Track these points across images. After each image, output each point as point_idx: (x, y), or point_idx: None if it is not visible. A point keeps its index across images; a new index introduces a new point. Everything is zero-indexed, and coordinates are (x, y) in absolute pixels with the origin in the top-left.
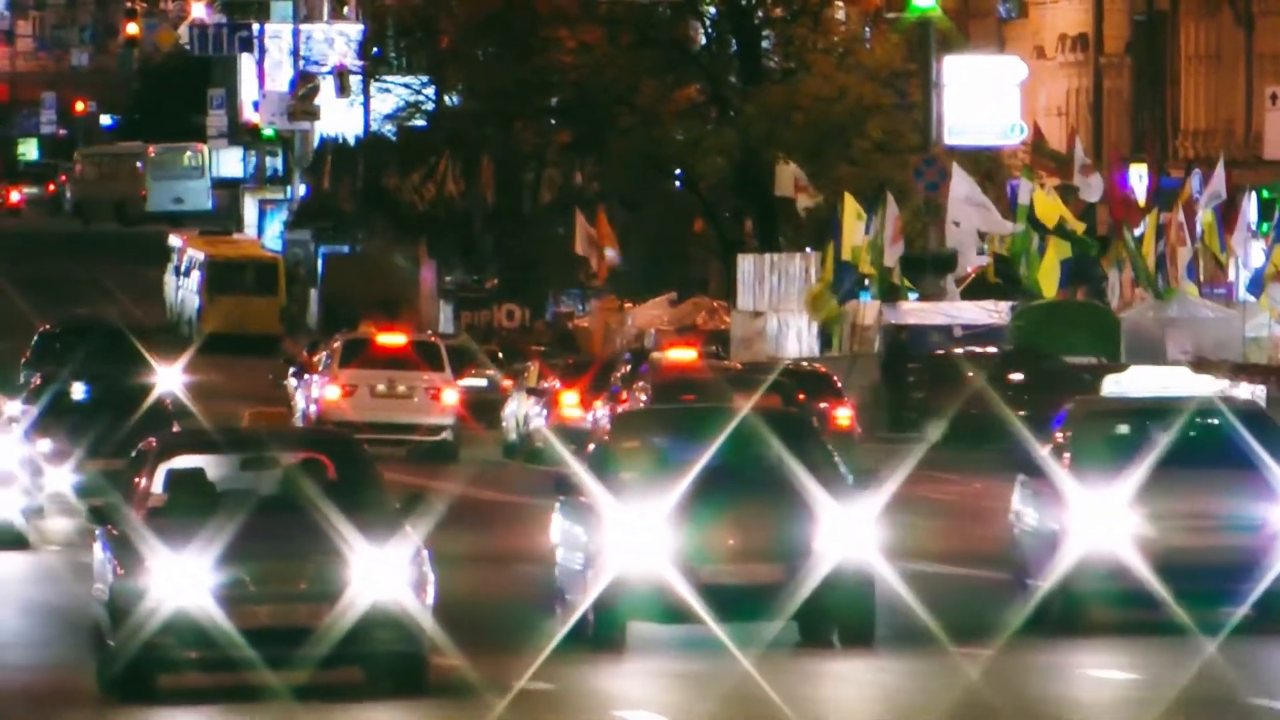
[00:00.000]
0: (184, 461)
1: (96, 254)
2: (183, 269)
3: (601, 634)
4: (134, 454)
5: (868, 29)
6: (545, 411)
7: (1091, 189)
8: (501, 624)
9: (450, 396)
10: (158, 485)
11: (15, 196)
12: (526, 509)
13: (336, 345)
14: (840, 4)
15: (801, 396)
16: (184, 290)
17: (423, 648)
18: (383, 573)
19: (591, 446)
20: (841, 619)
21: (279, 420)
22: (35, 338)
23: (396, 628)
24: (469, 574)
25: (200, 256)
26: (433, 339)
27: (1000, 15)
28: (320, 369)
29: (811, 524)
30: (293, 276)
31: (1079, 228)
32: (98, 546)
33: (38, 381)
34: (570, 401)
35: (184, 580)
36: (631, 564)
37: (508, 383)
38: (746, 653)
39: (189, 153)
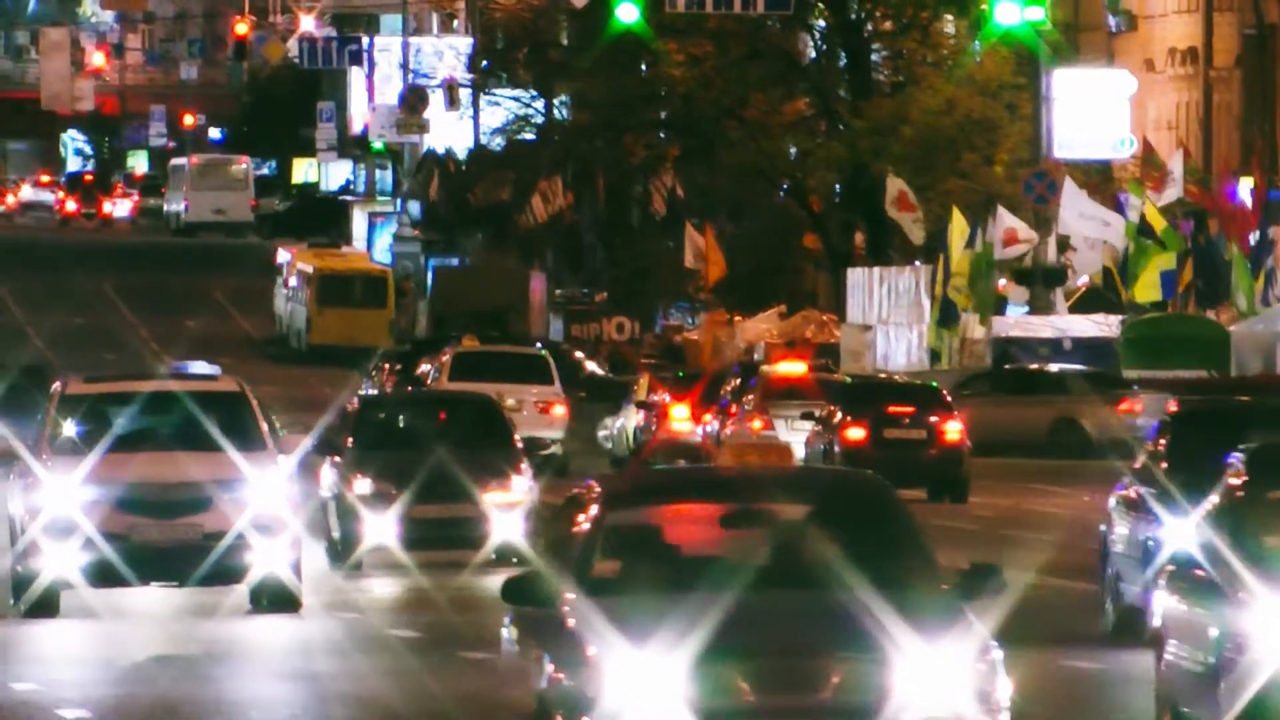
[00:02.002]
0: (643, 515)
1: (204, 266)
2: (291, 282)
3: None
4: (566, 501)
5: (977, 43)
6: (654, 425)
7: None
8: None
9: (559, 410)
10: (604, 547)
11: (107, 207)
12: None
13: (445, 359)
14: (949, 17)
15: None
16: (293, 303)
17: None
18: (938, 679)
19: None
20: None
21: (774, 458)
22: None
23: None
24: None
25: (309, 270)
26: (541, 352)
27: (1110, 29)
28: (429, 382)
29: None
30: (401, 289)
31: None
32: (508, 633)
33: (354, 406)
34: (680, 415)
35: (652, 687)
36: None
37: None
38: None
39: (235, 165)
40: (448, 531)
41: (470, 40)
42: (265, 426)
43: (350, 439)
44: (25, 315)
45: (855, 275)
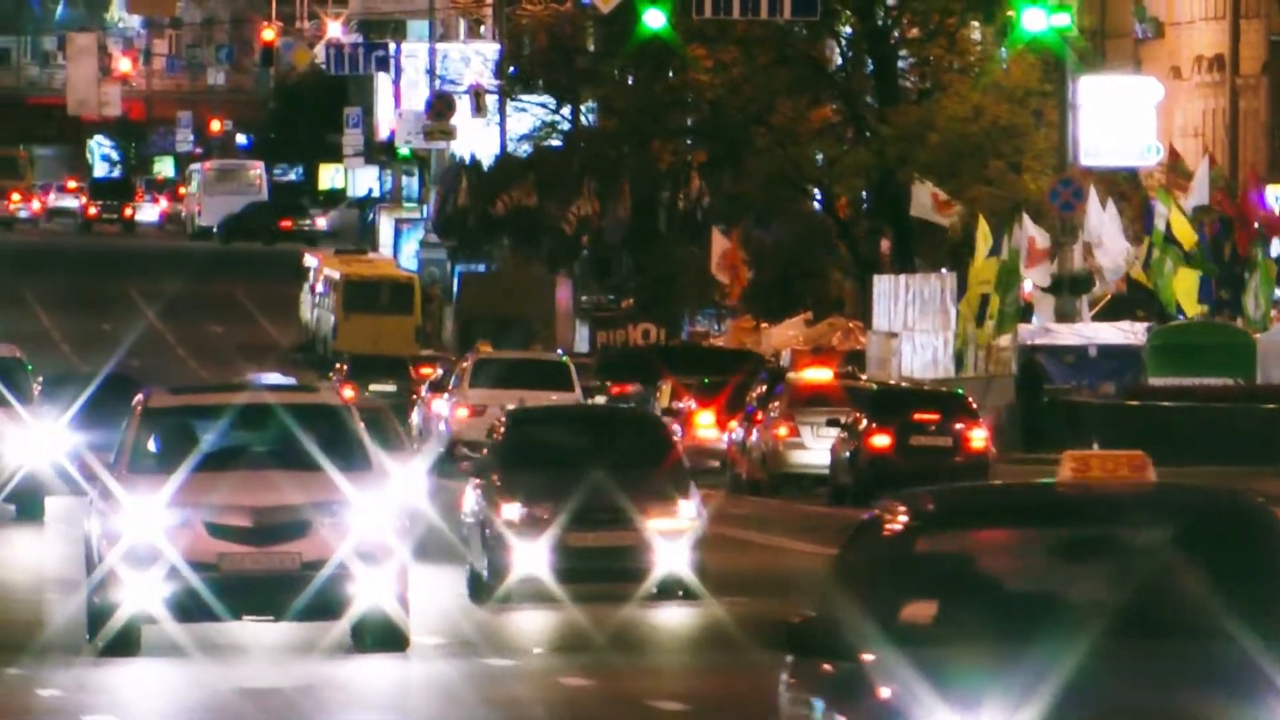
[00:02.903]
0: (962, 543)
1: (231, 272)
2: (318, 288)
3: None
4: (863, 524)
5: (1003, 49)
6: (680, 431)
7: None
8: None
9: None
10: (913, 584)
11: (130, 212)
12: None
13: (466, 365)
14: (975, 24)
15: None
16: (319, 309)
17: None
18: None
19: None
20: None
21: (1125, 470)
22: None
23: None
24: None
25: (336, 275)
26: (562, 359)
27: (1137, 36)
28: (451, 389)
29: None
30: (428, 296)
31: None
32: (787, 692)
33: (499, 430)
34: (705, 421)
35: None
36: None
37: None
38: None
39: (249, 170)
40: (607, 562)
41: (497, 46)
42: (368, 443)
43: (496, 458)
44: (51, 321)
45: (881, 282)
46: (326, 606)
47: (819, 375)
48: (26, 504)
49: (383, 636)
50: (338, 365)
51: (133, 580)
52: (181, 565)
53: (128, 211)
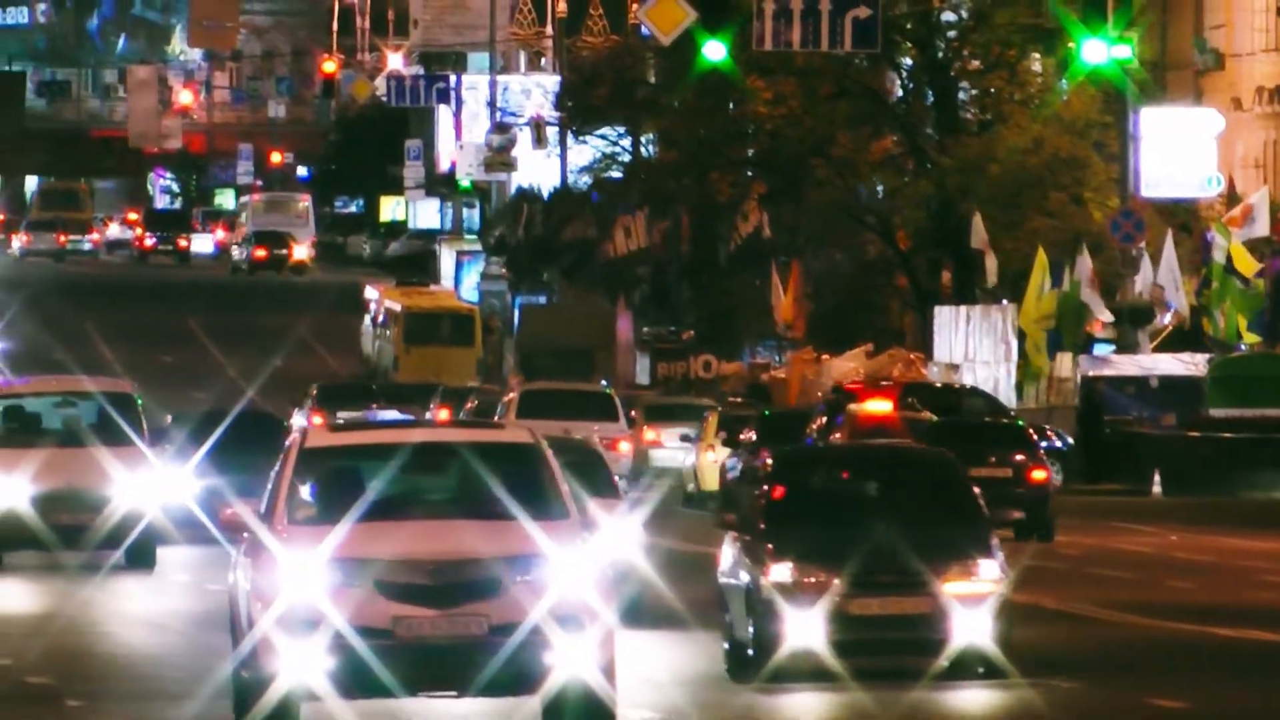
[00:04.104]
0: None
1: (290, 303)
2: (379, 320)
3: None
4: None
5: (1064, 81)
6: (741, 464)
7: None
8: None
9: (625, 446)
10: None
11: (183, 243)
12: None
13: (513, 396)
14: (1036, 56)
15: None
16: (380, 341)
17: None
18: None
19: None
20: None
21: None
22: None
23: None
24: None
25: (396, 307)
26: (606, 390)
27: (1197, 67)
28: (497, 418)
29: None
30: (489, 327)
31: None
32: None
33: (765, 473)
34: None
35: None
36: None
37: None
38: None
39: (297, 202)
40: (895, 633)
41: (557, 78)
42: (567, 487)
43: (761, 507)
44: (113, 353)
45: (942, 313)
46: (518, 679)
47: (879, 407)
48: (137, 552)
49: (584, 714)
50: (310, 391)
51: (290, 649)
52: (348, 631)
53: (182, 243)
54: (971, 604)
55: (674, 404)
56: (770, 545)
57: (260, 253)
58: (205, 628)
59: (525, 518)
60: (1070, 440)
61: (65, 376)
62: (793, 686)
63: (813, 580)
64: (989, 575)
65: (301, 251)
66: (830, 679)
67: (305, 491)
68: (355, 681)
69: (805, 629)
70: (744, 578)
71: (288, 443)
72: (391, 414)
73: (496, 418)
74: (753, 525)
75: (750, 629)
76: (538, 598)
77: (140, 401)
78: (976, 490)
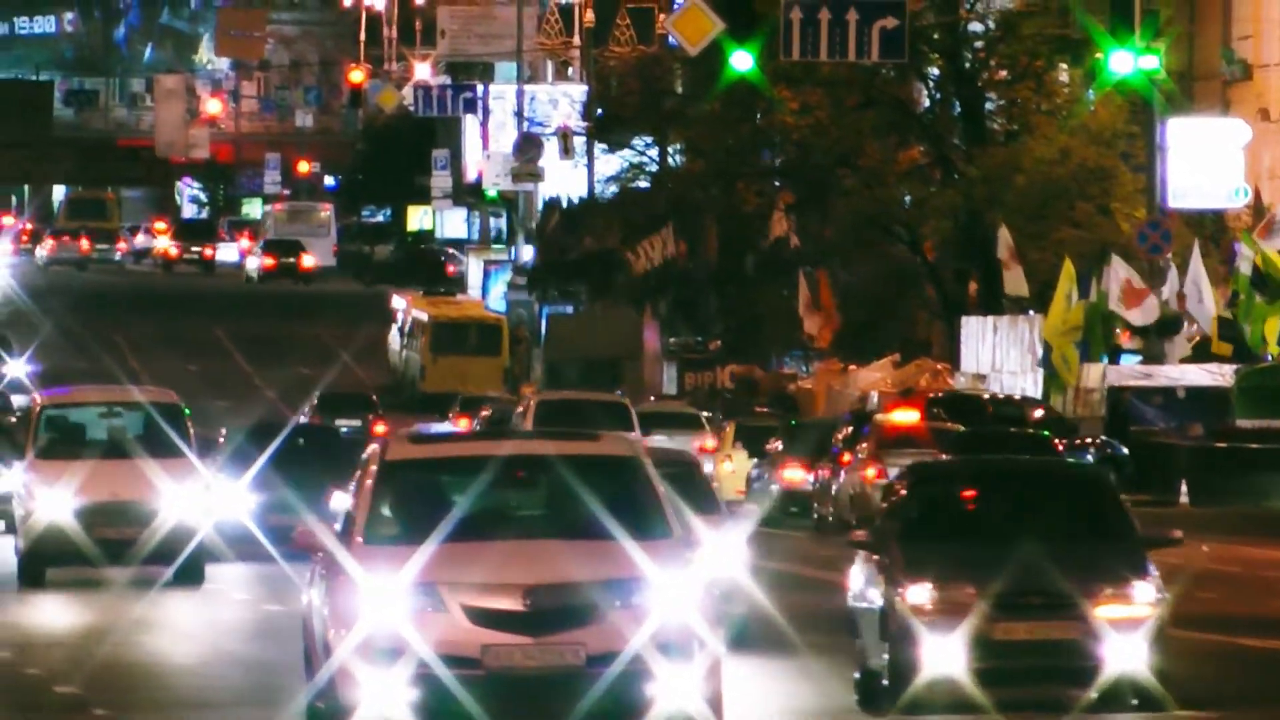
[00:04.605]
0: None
1: (316, 313)
2: (406, 329)
3: None
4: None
5: (1091, 92)
6: (767, 474)
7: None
8: None
9: None
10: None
11: (208, 252)
12: None
13: (530, 405)
14: (1063, 66)
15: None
16: (407, 350)
17: None
18: None
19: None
20: None
21: None
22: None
23: None
24: None
25: (424, 317)
26: (622, 399)
27: (1225, 78)
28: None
29: None
30: (516, 337)
31: None
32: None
33: (900, 487)
34: (792, 464)
35: None
36: None
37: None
38: None
39: (318, 211)
40: (1043, 660)
41: (584, 88)
42: (670, 504)
43: (896, 524)
44: (139, 362)
45: (970, 324)
46: (617, 712)
47: (906, 417)
48: (186, 567)
49: None
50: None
51: (370, 679)
52: (433, 660)
53: (207, 252)
54: (1125, 629)
55: (662, 412)
56: (906, 564)
57: (269, 261)
58: (240, 640)
59: (625, 537)
60: (1125, 450)
61: (110, 386)
62: (930, 719)
63: (953, 602)
64: (1144, 598)
65: (310, 260)
66: (971, 710)
67: (386, 508)
68: (440, 714)
69: (945, 655)
70: (877, 600)
71: (365, 455)
72: (444, 427)
73: (513, 427)
74: (886, 543)
75: (884, 656)
76: (639, 624)
77: (188, 412)
78: (1127, 507)
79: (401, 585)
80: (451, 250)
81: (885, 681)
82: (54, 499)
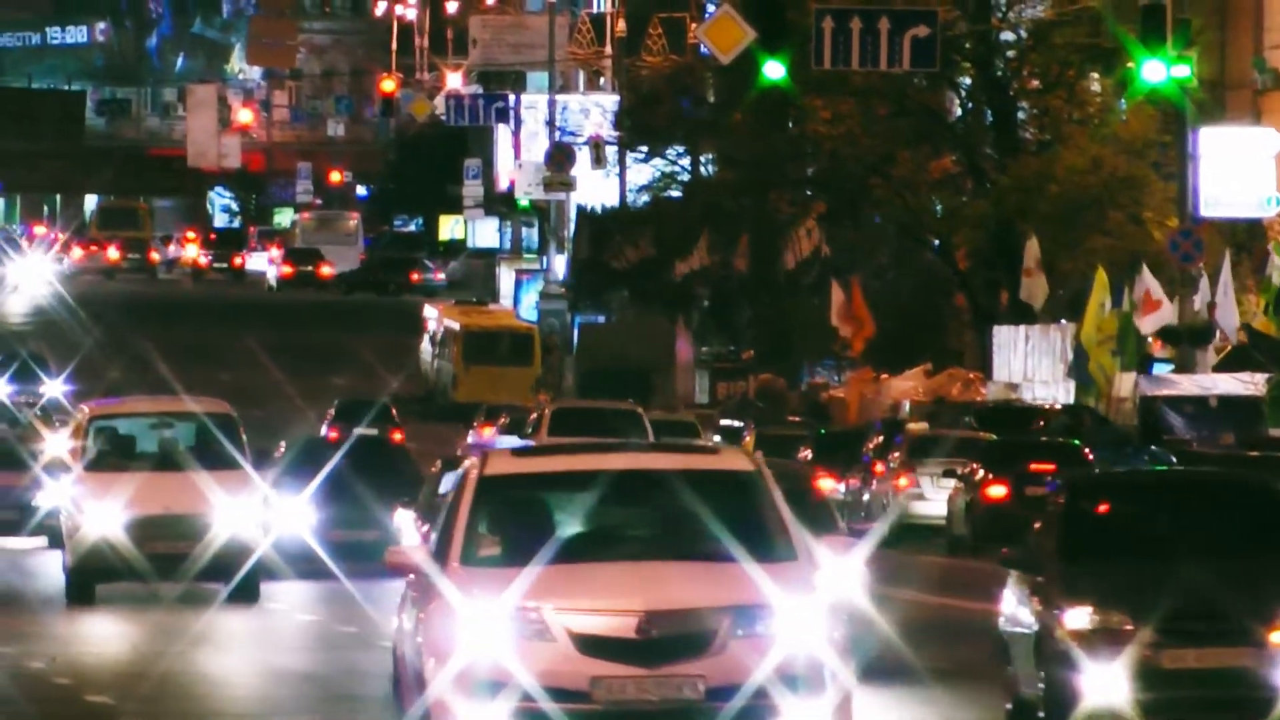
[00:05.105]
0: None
1: (347, 322)
2: (437, 339)
3: None
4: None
5: (1123, 101)
6: None
7: None
8: None
9: None
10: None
11: (238, 261)
12: None
13: (547, 413)
14: (1095, 76)
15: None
16: (439, 360)
17: None
18: None
19: None
20: None
21: None
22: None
23: None
24: None
25: (455, 327)
26: (635, 408)
27: (1257, 87)
28: (529, 435)
29: None
30: (546, 346)
31: None
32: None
33: (1056, 502)
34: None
35: None
36: None
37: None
38: None
39: (345, 220)
40: (1214, 690)
41: (616, 98)
42: (793, 524)
43: (1052, 541)
44: (170, 371)
45: (1001, 333)
46: None
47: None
48: (241, 584)
49: None
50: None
51: (469, 715)
52: (538, 693)
53: (237, 261)
54: None
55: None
56: (1065, 586)
57: (287, 269)
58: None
59: (746, 559)
60: (1174, 459)
61: (161, 396)
62: None
63: (1116, 627)
64: None
65: (330, 269)
66: None
67: (485, 527)
68: None
69: (1107, 684)
70: (1032, 624)
71: (462, 470)
72: (510, 440)
73: (529, 433)
74: (1043, 563)
75: (1040, 685)
76: (762, 655)
77: (240, 423)
78: None
79: (503, 611)
80: (422, 257)
81: (1041, 714)
82: (103, 512)
